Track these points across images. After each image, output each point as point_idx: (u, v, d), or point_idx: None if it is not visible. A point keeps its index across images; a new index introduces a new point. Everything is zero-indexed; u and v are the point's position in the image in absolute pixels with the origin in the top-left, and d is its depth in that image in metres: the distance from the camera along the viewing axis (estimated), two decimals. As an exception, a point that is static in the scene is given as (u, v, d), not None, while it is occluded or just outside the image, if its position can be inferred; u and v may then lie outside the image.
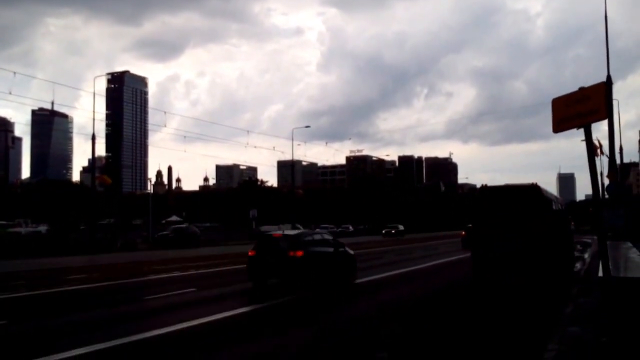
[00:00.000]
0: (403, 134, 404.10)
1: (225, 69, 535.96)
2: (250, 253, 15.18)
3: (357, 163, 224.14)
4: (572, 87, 8.33)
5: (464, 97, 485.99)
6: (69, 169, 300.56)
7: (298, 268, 14.37)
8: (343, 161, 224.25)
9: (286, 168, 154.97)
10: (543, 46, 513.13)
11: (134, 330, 8.89)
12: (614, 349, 6.79)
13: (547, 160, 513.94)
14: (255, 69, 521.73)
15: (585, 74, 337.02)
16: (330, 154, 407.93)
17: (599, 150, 23.38)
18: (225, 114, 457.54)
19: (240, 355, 7.56)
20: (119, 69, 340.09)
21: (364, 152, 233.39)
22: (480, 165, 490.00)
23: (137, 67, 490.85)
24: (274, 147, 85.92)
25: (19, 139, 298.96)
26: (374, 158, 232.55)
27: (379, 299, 13.06)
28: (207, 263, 24.80)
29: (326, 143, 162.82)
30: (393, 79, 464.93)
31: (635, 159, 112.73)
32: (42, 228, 73.15)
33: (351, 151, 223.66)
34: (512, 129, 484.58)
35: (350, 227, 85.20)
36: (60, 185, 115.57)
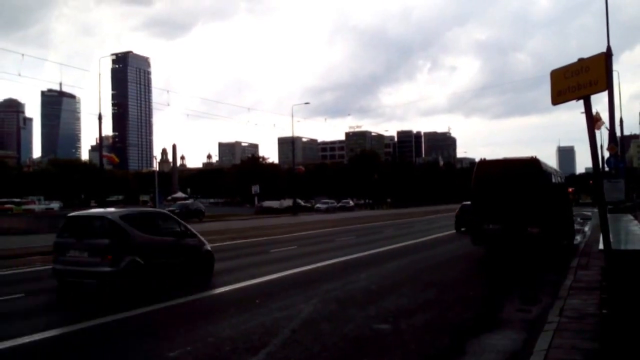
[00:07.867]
0: (405, 108, 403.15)
1: (232, 46, 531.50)
2: None
3: (356, 138, 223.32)
4: (577, 58, 8.28)
5: (467, 70, 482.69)
6: (77, 148, 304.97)
7: None
8: (343, 137, 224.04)
9: (287, 144, 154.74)
10: (548, 16, 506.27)
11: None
12: (614, 320, 6.83)
13: (548, 133, 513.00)
14: (260, 46, 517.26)
15: (591, 44, 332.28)
16: (331, 130, 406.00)
17: (599, 123, 23.17)
18: (230, 92, 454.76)
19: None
20: (128, 48, 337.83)
21: (364, 128, 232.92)
22: (481, 139, 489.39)
23: (145, 46, 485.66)
24: (274, 125, 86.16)
25: (30, 120, 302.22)
26: (373, 133, 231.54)
27: (379, 271, 13.20)
28: (215, 237, 24.91)
29: (325, 119, 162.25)
30: (397, 53, 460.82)
31: (635, 131, 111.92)
32: (55, 205, 74.09)
33: (350, 127, 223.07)
34: (514, 102, 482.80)
35: (350, 202, 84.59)
36: (70, 164, 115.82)
